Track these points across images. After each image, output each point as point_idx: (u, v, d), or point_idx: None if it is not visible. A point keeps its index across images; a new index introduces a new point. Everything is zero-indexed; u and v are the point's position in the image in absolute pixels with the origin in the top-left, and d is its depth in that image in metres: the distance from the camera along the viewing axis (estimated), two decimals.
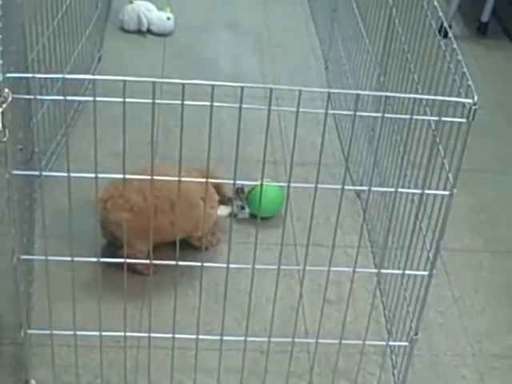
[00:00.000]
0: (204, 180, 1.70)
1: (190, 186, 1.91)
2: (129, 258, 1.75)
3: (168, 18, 3.61)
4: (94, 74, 3.16)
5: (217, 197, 2.37)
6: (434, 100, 1.77)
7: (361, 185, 2.64)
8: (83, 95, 2.86)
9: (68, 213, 1.66)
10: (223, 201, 2.47)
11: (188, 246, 2.30)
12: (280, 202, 2.56)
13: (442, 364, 2.18)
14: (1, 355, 2.07)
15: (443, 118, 1.65)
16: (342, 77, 3.10)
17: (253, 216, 2.56)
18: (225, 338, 1.84)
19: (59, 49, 2.69)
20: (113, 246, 2.23)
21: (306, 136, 2.83)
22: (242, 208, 2.57)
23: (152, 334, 1.83)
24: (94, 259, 1.75)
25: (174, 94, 1.53)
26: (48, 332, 1.84)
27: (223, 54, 3.54)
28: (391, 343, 2.12)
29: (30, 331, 1.85)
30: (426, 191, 1.75)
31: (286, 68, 3.48)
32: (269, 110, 1.55)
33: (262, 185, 1.75)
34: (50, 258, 1.72)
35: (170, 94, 1.56)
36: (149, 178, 1.63)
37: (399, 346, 2.08)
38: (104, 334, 1.83)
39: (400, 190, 1.76)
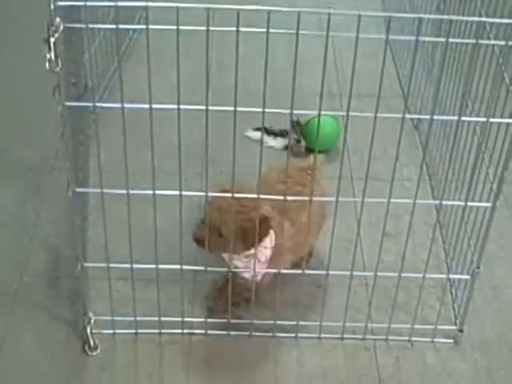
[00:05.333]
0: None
1: None
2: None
3: None
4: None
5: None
6: (497, 28, 1.69)
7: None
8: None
9: (123, 146, 1.64)
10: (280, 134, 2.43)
11: None
12: (336, 135, 2.51)
13: (503, 297, 2.14)
14: (59, 289, 2.09)
15: (510, 43, 1.57)
16: (399, 4, 3.00)
17: (308, 149, 2.52)
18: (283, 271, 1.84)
19: None
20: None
21: (360, 67, 2.74)
22: (298, 141, 2.53)
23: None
24: (150, 191, 1.72)
25: (228, 24, 1.50)
26: (105, 265, 1.84)
27: None
28: (452, 276, 2.08)
29: (86, 264, 1.85)
30: (491, 119, 1.68)
31: None
32: (327, 36, 1.49)
33: (319, 117, 1.68)
34: (105, 190, 1.71)
35: (224, 26, 1.53)
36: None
37: (459, 280, 2.04)
38: (160, 267, 1.82)
39: (464, 118, 1.69)
